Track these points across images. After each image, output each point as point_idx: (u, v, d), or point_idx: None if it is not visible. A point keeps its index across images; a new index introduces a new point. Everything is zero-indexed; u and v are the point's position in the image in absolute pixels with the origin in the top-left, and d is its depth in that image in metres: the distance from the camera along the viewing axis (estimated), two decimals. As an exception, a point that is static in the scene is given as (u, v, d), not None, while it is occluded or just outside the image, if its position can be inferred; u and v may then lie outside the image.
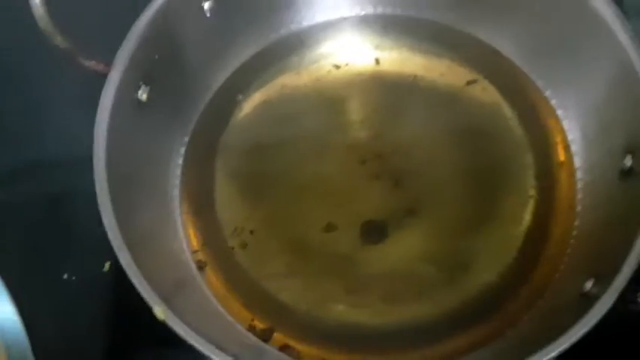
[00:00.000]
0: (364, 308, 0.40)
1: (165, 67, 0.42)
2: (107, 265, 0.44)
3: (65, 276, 0.45)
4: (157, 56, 0.41)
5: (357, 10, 0.47)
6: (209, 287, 0.41)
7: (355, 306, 0.40)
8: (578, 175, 0.40)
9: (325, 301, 0.40)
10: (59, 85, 0.48)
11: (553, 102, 0.43)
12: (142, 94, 0.40)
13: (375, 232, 0.42)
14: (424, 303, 0.40)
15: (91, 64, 0.39)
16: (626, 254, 0.31)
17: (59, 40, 0.38)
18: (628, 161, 0.35)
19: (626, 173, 0.36)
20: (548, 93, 0.43)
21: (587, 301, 0.32)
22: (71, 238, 0.46)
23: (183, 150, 0.44)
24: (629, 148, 0.36)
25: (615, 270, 0.31)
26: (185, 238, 0.42)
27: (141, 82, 0.40)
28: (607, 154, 0.38)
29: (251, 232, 0.42)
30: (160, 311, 0.32)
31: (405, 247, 0.42)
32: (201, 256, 0.42)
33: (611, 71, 0.37)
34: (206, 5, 0.43)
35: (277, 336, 0.39)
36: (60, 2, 0.37)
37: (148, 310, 0.33)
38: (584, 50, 0.40)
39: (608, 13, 0.37)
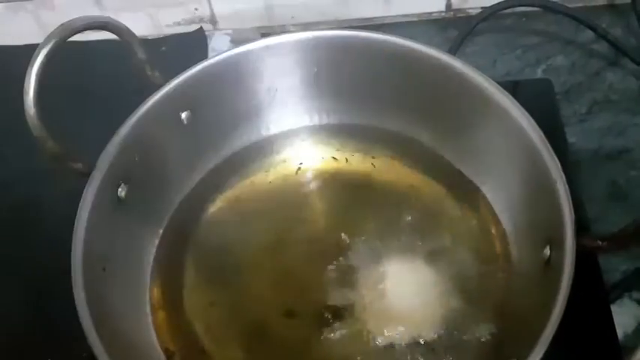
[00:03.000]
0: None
1: (144, 167, 0.47)
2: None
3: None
4: (136, 158, 0.46)
5: (316, 120, 0.54)
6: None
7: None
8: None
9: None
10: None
11: (489, 198, 0.48)
12: (121, 192, 0.45)
13: (332, 318, 0.46)
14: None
15: (77, 166, 0.44)
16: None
17: (51, 146, 0.43)
18: (547, 251, 0.40)
19: (547, 262, 0.40)
20: (484, 189, 0.48)
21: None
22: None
23: (156, 242, 0.49)
24: (549, 240, 0.40)
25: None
26: (154, 325, 0.46)
27: (120, 181, 0.45)
28: (532, 246, 0.42)
29: (215, 318, 0.46)
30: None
31: (359, 334, 0.45)
32: (169, 345, 0.45)
33: (530, 175, 0.42)
34: (183, 115, 0.49)
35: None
36: (52, 112, 0.43)
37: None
38: (509, 157, 0.45)
39: (525, 122, 0.43)
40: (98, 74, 0.64)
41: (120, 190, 0.45)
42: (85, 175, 0.44)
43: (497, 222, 0.47)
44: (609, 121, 0.59)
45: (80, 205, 0.42)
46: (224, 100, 0.50)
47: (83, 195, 0.43)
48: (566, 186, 0.39)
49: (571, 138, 0.58)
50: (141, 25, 0.64)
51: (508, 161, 0.45)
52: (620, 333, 0.48)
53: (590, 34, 0.63)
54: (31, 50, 0.41)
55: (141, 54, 0.47)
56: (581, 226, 0.39)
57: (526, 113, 0.43)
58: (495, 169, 0.47)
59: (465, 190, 0.49)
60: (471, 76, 0.45)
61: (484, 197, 0.48)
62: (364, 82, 0.51)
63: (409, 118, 0.51)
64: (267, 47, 0.48)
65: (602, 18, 0.64)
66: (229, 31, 0.68)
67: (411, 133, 0.51)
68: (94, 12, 0.65)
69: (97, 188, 0.43)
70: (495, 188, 0.48)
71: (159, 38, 0.68)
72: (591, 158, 0.57)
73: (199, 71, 0.48)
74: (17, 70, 0.42)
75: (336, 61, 0.50)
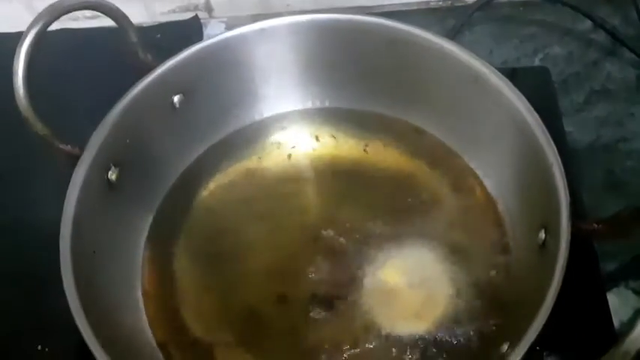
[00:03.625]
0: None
1: (135, 150, 0.46)
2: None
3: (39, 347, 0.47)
4: (128, 141, 0.46)
5: (309, 105, 0.53)
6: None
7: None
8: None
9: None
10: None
11: (485, 182, 0.48)
12: (112, 175, 0.45)
13: (324, 304, 0.45)
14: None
15: (66, 148, 0.44)
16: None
17: (39, 128, 0.43)
18: (542, 235, 0.39)
19: (542, 246, 0.39)
20: (480, 173, 0.48)
21: None
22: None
23: (148, 226, 0.48)
24: (543, 224, 0.40)
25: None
26: (145, 309, 0.45)
27: (111, 164, 0.45)
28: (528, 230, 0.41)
29: (207, 303, 0.45)
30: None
31: (350, 319, 0.44)
32: (160, 329, 0.45)
33: (526, 159, 0.42)
34: (176, 98, 0.48)
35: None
36: (41, 94, 0.42)
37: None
38: (505, 141, 0.44)
39: (521, 105, 0.42)
40: (91, 60, 0.63)
41: (110, 173, 0.45)
42: (75, 158, 0.43)
43: (494, 207, 0.46)
44: (607, 110, 0.59)
45: (69, 186, 0.42)
46: (217, 84, 0.49)
47: (72, 177, 0.42)
48: (562, 169, 0.38)
49: (568, 127, 0.57)
50: (136, 13, 0.63)
51: (504, 145, 0.44)
52: (616, 321, 0.47)
53: (588, 24, 0.63)
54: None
55: (133, 36, 0.46)
56: (578, 215, 0.38)
57: (522, 96, 0.42)
58: (491, 153, 0.46)
59: (460, 175, 0.48)
60: (466, 59, 0.45)
61: (480, 182, 0.48)
62: (358, 66, 0.50)
63: (404, 103, 0.50)
64: (261, 30, 0.48)
65: (601, 9, 0.64)
66: (225, 19, 0.68)
67: (405, 117, 0.51)
68: None
69: (86, 170, 0.42)
70: (491, 173, 0.47)
71: (153, 26, 0.68)
72: (588, 148, 0.57)
73: (192, 54, 0.47)
74: (9, 57, 0.41)
75: (331, 45, 0.49)
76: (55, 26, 0.67)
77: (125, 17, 0.45)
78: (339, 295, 0.45)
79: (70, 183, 0.42)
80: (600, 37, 0.63)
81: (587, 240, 0.45)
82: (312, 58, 0.50)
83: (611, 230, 0.36)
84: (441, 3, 0.67)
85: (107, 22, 0.51)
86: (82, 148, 0.44)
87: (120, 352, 0.37)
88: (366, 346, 0.43)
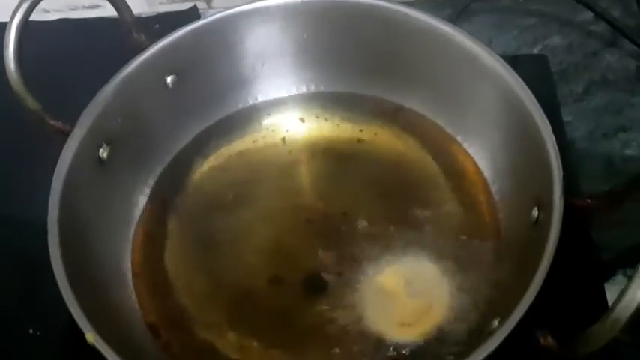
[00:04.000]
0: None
1: (128, 130, 0.46)
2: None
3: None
4: (120, 120, 0.45)
5: (304, 89, 0.53)
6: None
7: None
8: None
9: (262, 351, 0.42)
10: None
11: (479, 164, 0.47)
12: (103, 153, 0.45)
13: (317, 287, 0.45)
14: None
15: (57, 124, 0.44)
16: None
17: (30, 102, 0.43)
18: (535, 213, 0.39)
19: (534, 224, 0.39)
20: (474, 155, 0.47)
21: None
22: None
23: (140, 206, 0.48)
24: (537, 202, 0.39)
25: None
26: (135, 290, 0.45)
27: (103, 142, 0.45)
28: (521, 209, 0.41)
29: (198, 284, 0.45)
30: (90, 335, 0.35)
31: (343, 304, 0.44)
32: (150, 309, 0.44)
33: (521, 137, 0.41)
34: (169, 79, 0.48)
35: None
36: (33, 69, 0.42)
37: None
38: (499, 120, 0.44)
39: (515, 83, 0.42)
40: (89, 48, 0.63)
41: (102, 151, 0.44)
42: (66, 135, 0.43)
43: (488, 189, 0.46)
44: (606, 100, 0.58)
45: (59, 162, 0.42)
46: (211, 66, 0.49)
47: (62, 152, 0.42)
48: (556, 146, 0.38)
49: (567, 117, 0.57)
50: (135, 3, 0.64)
51: (499, 125, 0.44)
52: (613, 310, 0.47)
53: (588, 15, 0.62)
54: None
55: (127, 16, 0.46)
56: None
57: (515, 74, 0.42)
58: (486, 133, 0.46)
59: (453, 156, 0.48)
60: (462, 39, 0.45)
61: (474, 163, 0.47)
62: (353, 49, 0.50)
63: (399, 86, 0.50)
64: (255, 10, 0.48)
65: (601, 0, 0.63)
66: (223, 10, 0.68)
67: (400, 100, 0.50)
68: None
69: (77, 146, 0.42)
70: (486, 156, 0.46)
71: (152, 16, 0.68)
72: (587, 137, 0.56)
73: (185, 33, 0.47)
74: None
75: (325, 28, 0.49)
76: (53, 16, 0.68)
77: (119, -5, 0.45)
78: (333, 279, 0.44)
79: (60, 158, 0.42)
80: (600, 28, 0.62)
81: (584, 226, 0.45)
82: (306, 41, 0.50)
83: (604, 205, 0.36)
84: (440, -6, 0.67)
85: (106, 12, 0.51)
86: (73, 126, 0.43)
87: (108, 330, 0.37)
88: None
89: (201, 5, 0.67)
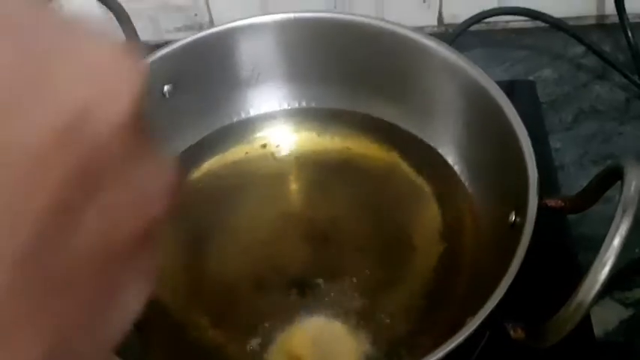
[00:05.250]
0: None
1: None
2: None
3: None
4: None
5: (296, 105, 0.54)
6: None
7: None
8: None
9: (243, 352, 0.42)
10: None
11: (457, 170, 0.48)
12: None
13: (301, 292, 0.45)
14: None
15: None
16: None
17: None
18: (512, 217, 0.39)
19: (511, 227, 0.39)
20: (454, 165, 0.49)
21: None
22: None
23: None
24: (513, 206, 0.40)
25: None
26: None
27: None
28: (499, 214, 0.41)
29: (183, 284, 0.46)
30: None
31: (327, 310, 0.44)
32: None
33: (498, 141, 0.42)
34: (165, 88, 0.50)
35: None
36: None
37: None
38: (480, 129, 0.45)
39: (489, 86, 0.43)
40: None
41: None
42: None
43: (468, 196, 0.47)
44: (595, 129, 0.59)
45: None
46: (207, 78, 0.51)
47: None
48: (531, 147, 0.38)
49: (556, 144, 0.58)
50: (143, 30, 0.67)
51: (479, 133, 0.45)
52: (601, 332, 0.47)
53: (578, 49, 0.64)
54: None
55: (127, 23, 0.49)
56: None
57: (490, 79, 0.43)
58: (466, 143, 0.47)
59: (435, 166, 0.49)
60: (447, 54, 0.46)
61: (455, 173, 0.48)
62: (343, 66, 0.51)
63: (388, 103, 0.52)
64: (249, 26, 0.50)
65: (592, 35, 0.65)
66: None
67: (390, 118, 0.52)
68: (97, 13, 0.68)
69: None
70: (465, 162, 0.48)
71: (159, 44, 0.70)
72: (576, 163, 0.57)
73: (182, 45, 0.49)
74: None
75: (318, 45, 0.51)
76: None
77: (120, 5, 0.48)
78: (317, 285, 0.45)
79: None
80: (590, 62, 0.64)
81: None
82: (298, 57, 0.52)
83: (577, 205, 0.36)
84: (435, 29, 0.69)
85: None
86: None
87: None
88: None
89: (202, 17, 0.70)
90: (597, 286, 0.28)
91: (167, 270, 0.46)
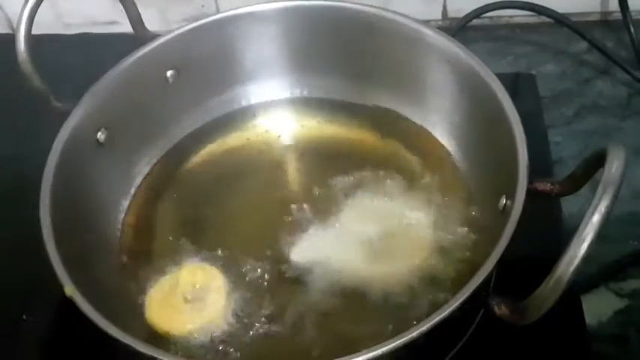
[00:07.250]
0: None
1: (126, 118, 0.49)
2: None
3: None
4: (120, 106, 0.48)
5: (297, 93, 0.55)
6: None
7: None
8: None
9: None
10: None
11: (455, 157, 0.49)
12: (101, 136, 0.47)
13: (295, 276, 0.46)
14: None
15: (59, 105, 0.46)
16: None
17: (36, 82, 0.45)
18: (502, 201, 0.40)
19: (502, 212, 0.40)
20: (452, 151, 0.49)
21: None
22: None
23: (132, 189, 0.50)
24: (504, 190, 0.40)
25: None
26: (123, 270, 0.47)
27: (101, 126, 0.47)
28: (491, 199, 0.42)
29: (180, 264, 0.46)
30: (69, 289, 0.36)
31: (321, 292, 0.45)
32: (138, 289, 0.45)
33: (491, 126, 0.43)
34: (169, 73, 0.51)
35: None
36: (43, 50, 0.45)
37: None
38: (473, 115, 0.46)
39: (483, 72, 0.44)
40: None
41: (99, 134, 0.47)
42: (66, 115, 0.46)
43: (461, 181, 0.47)
44: (596, 124, 0.59)
45: (56, 139, 0.44)
46: (210, 64, 0.52)
47: (60, 130, 0.44)
48: (522, 131, 0.39)
49: (557, 138, 0.58)
50: (150, 21, 0.68)
51: (474, 120, 0.45)
52: (594, 321, 0.47)
53: (582, 45, 0.65)
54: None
55: (134, 12, 0.50)
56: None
57: (484, 65, 0.44)
58: (461, 127, 0.48)
59: (434, 154, 0.50)
60: (442, 41, 0.47)
61: (452, 161, 0.49)
62: (343, 54, 0.52)
63: (389, 92, 0.52)
64: (252, 14, 0.51)
65: (595, 31, 0.65)
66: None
67: (391, 106, 0.53)
68: (107, 7, 0.70)
69: (74, 125, 0.45)
70: (461, 149, 0.48)
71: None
72: (576, 157, 0.57)
73: (185, 32, 0.50)
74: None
75: (320, 33, 0.52)
76: (74, 30, 0.73)
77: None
78: (311, 268, 0.45)
79: (57, 136, 0.44)
80: (593, 58, 0.64)
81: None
82: (299, 46, 0.53)
83: (565, 188, 0.37)
84: (440, 22, 0.69)
85: (125, 28, 0.55)
86: (74, 106, 0.46)
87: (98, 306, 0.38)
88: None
89: (209, 9, 0.71)
90: (576, 262, 0.28)
91: (166, 252, 0.47)
